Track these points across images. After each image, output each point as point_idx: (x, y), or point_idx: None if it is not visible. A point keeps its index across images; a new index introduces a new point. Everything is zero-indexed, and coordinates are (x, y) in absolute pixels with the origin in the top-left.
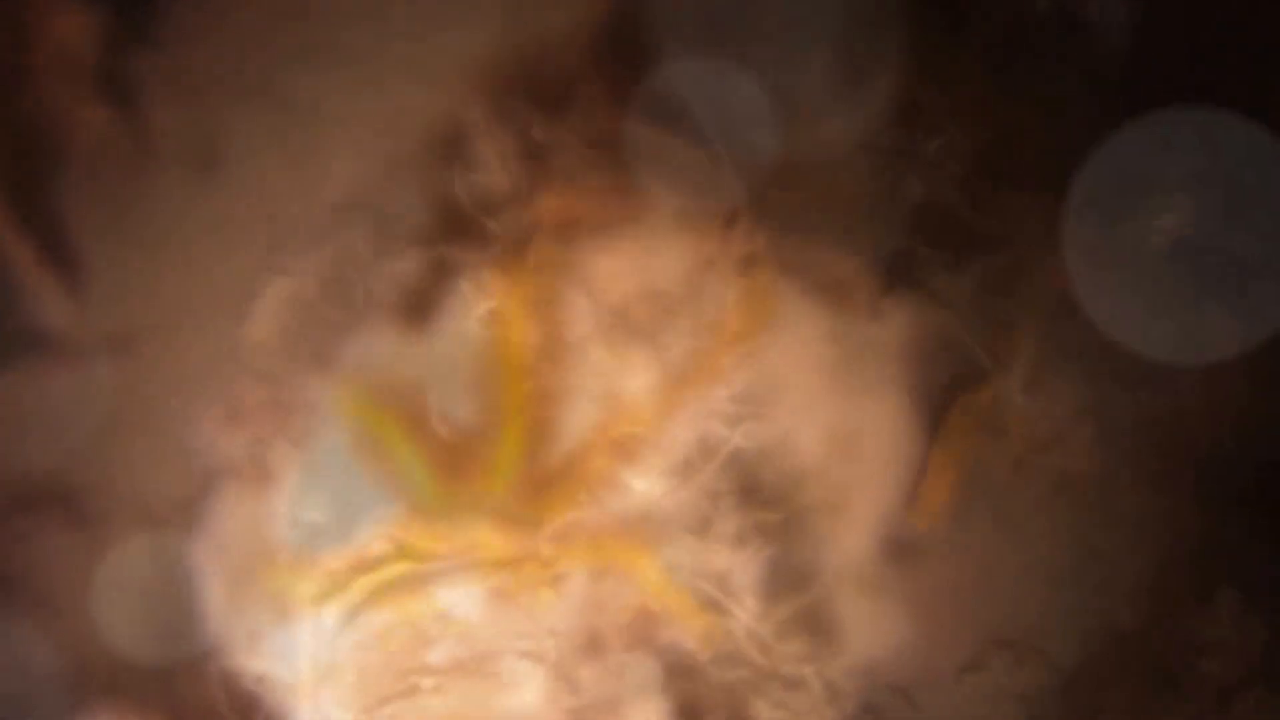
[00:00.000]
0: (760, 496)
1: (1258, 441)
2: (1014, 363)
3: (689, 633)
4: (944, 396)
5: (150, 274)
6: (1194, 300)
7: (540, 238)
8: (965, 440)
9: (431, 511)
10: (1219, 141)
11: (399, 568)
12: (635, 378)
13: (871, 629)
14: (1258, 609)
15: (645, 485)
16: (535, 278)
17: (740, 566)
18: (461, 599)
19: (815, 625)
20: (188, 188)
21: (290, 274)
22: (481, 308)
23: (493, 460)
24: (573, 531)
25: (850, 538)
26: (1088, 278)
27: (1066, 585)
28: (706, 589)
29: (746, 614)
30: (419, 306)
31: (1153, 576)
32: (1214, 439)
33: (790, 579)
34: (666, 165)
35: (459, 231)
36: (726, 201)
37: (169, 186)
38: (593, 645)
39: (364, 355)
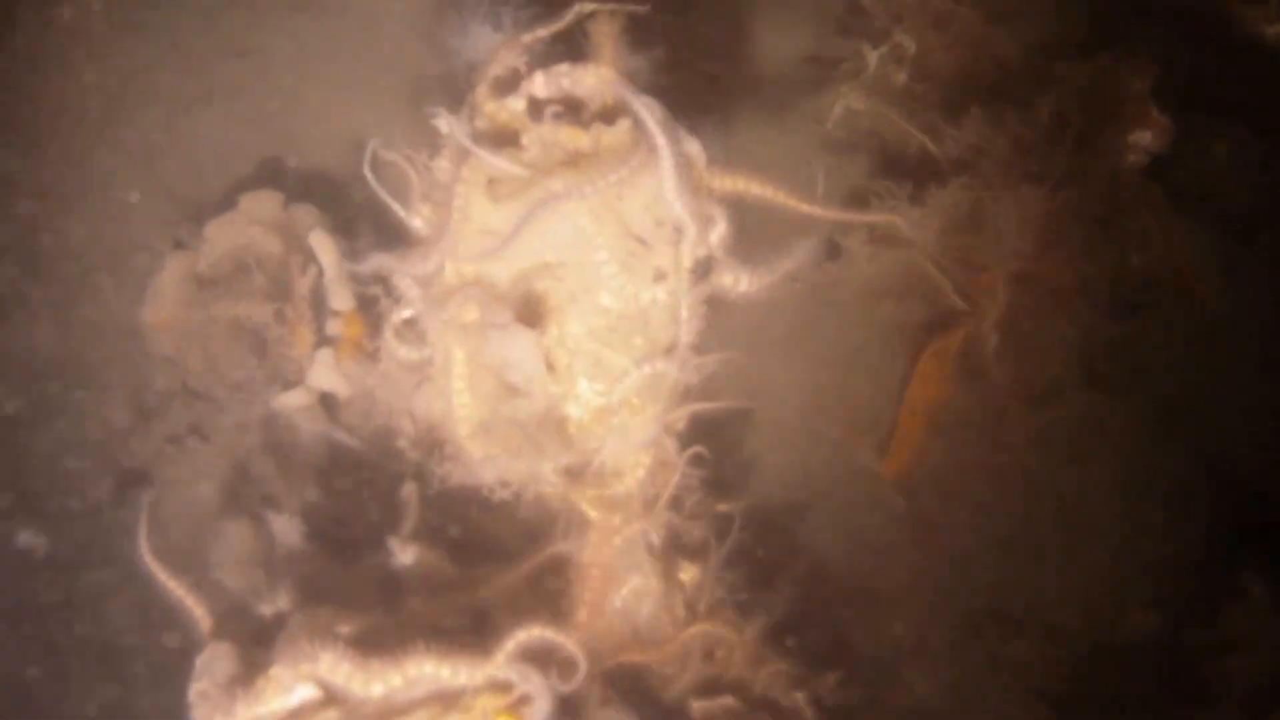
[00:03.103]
0: (725, 463)
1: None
2: (988, 302)
3: (665, 640)
4: (913, 341)
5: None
6: (1171, 219)
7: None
8: (939, 388)
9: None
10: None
11: (329, 716)
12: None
13: (844, 610)
14: None
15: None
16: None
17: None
18: None
19: (792, 617)
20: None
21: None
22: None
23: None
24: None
25: (817, 501)
26: (1063, 202)
27: (1066, 549)
28: (681, 579)
29: (729, 619)
30: None
31: (1167, 551)
32: (1210, 371)
33: (762, 568)
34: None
35: None
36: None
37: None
38: None
39: None
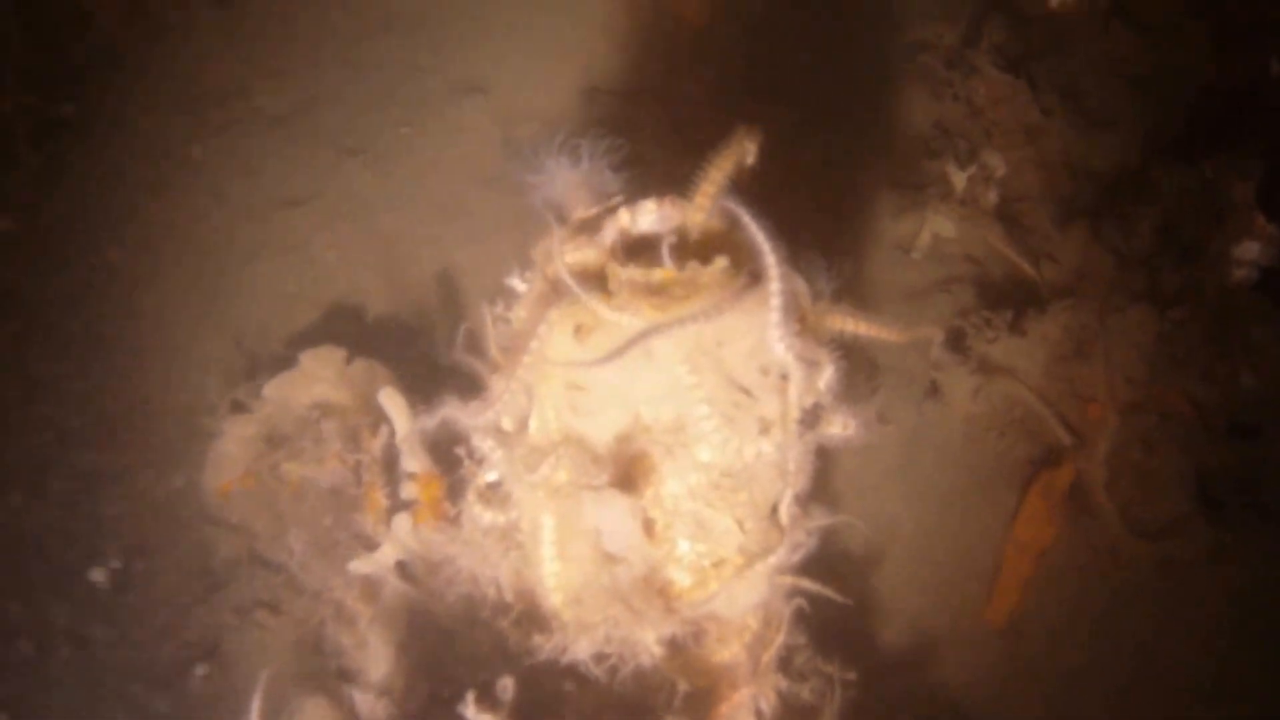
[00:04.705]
0: (831, 615)
1: None
2: (1097, 434)
3: None
4: (1018, 480)
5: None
6: None
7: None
8: (1046, 527)
9: None
10: None
11: None
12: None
13: None
14: None
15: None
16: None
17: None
18: None
19: None
20: None
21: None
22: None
23: None
24: None
25: (925, 649)
26: (1172, 323)
27: (1189, 697)
28: None
29: None
30: None
31: None
32: None
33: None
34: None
35: None
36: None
37: None
38: None
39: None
